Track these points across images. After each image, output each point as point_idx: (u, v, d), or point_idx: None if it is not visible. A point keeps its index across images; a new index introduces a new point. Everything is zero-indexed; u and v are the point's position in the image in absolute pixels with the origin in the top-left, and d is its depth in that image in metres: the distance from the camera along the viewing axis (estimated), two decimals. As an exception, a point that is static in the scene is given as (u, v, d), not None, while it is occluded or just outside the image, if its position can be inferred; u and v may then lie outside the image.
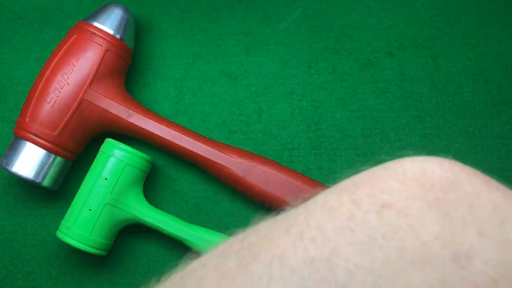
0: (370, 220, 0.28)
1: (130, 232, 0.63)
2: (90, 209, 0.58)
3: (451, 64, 0.67)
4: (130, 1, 0.68)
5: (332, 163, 0.65)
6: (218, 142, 0.62)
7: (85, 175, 0.60)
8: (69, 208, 0.59)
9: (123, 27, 0.62)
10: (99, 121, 0.61)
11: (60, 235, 0.58)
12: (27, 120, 0.59)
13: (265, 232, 0.31)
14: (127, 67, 0.64)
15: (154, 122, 0.61)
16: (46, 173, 0.59)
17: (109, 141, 0.60)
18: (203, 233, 0.59)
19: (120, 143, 0.59)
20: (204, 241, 0.58)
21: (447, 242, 0.27)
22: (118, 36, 0.62)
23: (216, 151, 0.60)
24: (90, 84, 0.60)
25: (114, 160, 0.59)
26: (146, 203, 0.60)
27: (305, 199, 0.32)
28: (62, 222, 0.59)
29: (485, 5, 0.68)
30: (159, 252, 0.63)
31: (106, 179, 0.58)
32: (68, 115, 0.59)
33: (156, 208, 0.60)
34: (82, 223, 0.57)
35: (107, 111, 0.60)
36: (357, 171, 0.32)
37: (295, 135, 0.66)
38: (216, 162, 0.60)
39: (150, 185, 0.64)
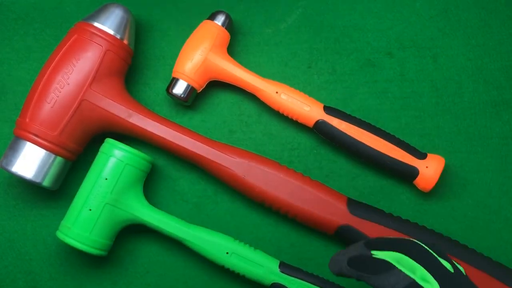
0: None
1: (131, 232, 0.63)
2: (90, 209, 0.58)
3: (451, 64, 0.67)
4: (130, 1, 0.68)
5: (332, 163, 0.65)
6: (218, 142, 0.62)
7: (85, 175, 0.60)
8: (69, 208, 0.59)
9: (123, 27, 0.62)
10: (99, 121, 0.61)
11: (60, 235, 0.58)
12: (27, 120, 0.59)
13: None
14: (127, 67, 0.64)
15: (154, 122, 0.61)
16: (46, 173, 0.59)
17: (109, 141, 0.60)
18: (203, 233, 0.59)
19: (120, 143, 0.59)
20: (203, 241, 0.58)
21: None
22: (118, 36, 0.62)
23: (216, 151, 0.60)
24: (90, 84, 0.60)
25: (114, 160, 0.59)
26: (146, 203, 0.60)
27: None
28: (62, 222, 0.59)
29: (485, 6, 0.68)
30: (159, 252, 0.63)
31: (106, 179, 0.58)
32: (68, 115, 0.59)
33: (156, 208, 0.60)
34: (82, 223, 0.57)
35: (107, 111, 0.60)
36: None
37: (295, 135, 0.66)
38: (216, 162, 0.60)
39: (150, 185, 0.64)
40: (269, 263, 0.59)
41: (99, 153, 0.60)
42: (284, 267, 0.59)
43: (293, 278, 0.58)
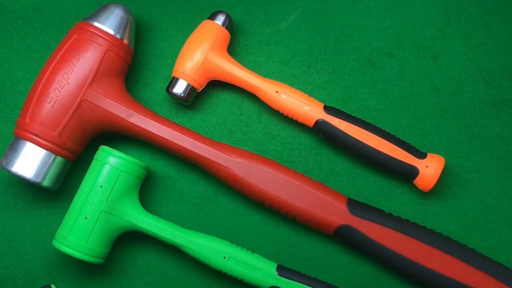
0: None
1: (130, 233, 0.63)
2: (86, 217, 0.57)
3: (451, 64, 0.67)
4: (130, 1, 0.68)
5: (332, 163, 0.65)
6: (218, 142, 0.62)
7: (85, 175, 0.60)
8: (65, 217, 0.59)
9: (123, 27, 0.62)
10: (99, 121, 0.61)
11: (56, 244, 0.58)
12: (27, 120, 0.59)
13: None
14: (127, 67, 0.64)
15: (154, 122, 0.61)
16: (46, 173, 0.59)
17: (103, 148, 0.60)
18: (200, 238, 0.59)
19: (115, 150, 0.59)
20: (200, 247, 0.58)
21: None
22: (118, 36, 0.62)
23: (216, 151, 0.60)
24: (91, 84, 0.60)
25: (109, 167, 0.58)
26: (142, 209, 0.60)
27: None
28: (58, 230, 0.58)
29: (485, 5, 0.69)
30: (159, 251, 0.63)
31: (101, 186, 0.58)
32: (68, 115, 0.59)
33: (152, 214, 0.60)
34: (78, 232, 0.57)
35: (107, 111, 0.60)
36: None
37: (295, 135, 0.66)
38: (216, 162, 0.60)
39: (150, 185, 0.64)
40: (266, 267, 0.58)
41: (93, 160, 0.60)
42: (282, 270, 0.59)
43: (291, 281, 0.58)
